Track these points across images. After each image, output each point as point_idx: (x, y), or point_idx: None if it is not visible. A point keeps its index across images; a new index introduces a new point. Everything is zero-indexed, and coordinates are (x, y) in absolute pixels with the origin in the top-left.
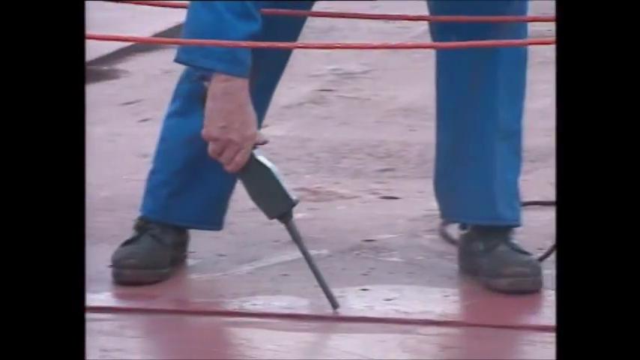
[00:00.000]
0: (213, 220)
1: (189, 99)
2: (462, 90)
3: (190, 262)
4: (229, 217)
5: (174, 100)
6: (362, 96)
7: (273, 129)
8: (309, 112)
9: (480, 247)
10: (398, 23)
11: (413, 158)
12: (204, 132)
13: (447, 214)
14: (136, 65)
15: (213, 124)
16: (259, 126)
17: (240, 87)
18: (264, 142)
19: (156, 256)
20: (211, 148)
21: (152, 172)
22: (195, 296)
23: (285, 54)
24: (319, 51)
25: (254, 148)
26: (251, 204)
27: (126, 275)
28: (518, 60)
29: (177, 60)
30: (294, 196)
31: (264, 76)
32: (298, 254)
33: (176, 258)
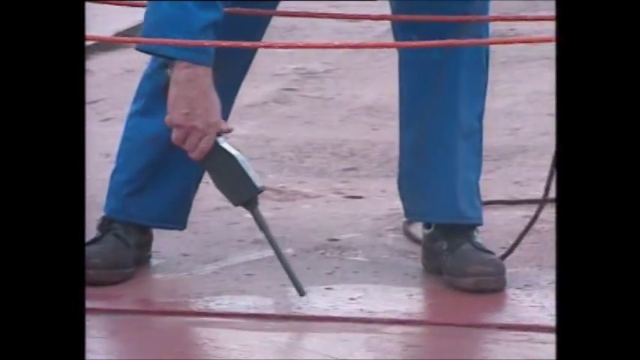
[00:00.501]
0: (177, 220)
1: (152, 97)
2: (424, 89)
3: (154, 261)
4: (193, 216)
5: (136, 98)
6: (325, 95)
7: (237, 128)
8: (272, 112)
9: (443, 246)
10: (360, 22)
11: (376, 157)
12: (167, 119)
13: (411, 213)
14: (98, 64)
15: (176, 110)
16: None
17: (203, 74)
18: (229, 131)
19: (119, 255)
20: (175, 135)
21: (115, 172)
22: (159, 296)
23: (250, 53)
24: (282, 50)
25: (219, 135)
26: (215, 204)
27: (89, 275)
28: (480, 59)
29: (138, 49)
30: (259, 183)
31: (228, 75)
32: (263, 254)
33: (140, 258)
